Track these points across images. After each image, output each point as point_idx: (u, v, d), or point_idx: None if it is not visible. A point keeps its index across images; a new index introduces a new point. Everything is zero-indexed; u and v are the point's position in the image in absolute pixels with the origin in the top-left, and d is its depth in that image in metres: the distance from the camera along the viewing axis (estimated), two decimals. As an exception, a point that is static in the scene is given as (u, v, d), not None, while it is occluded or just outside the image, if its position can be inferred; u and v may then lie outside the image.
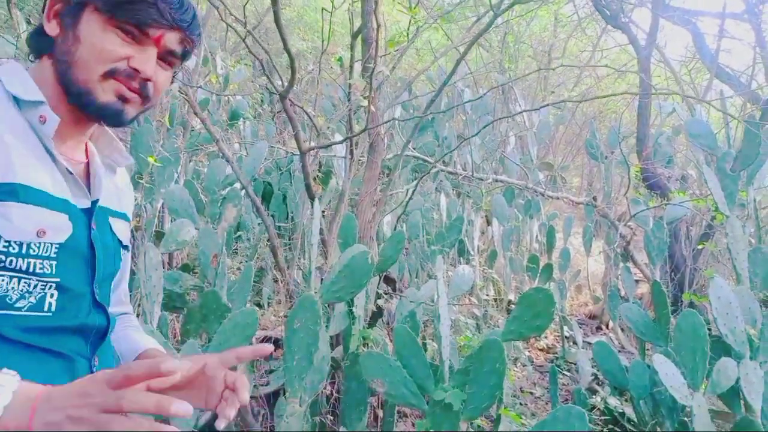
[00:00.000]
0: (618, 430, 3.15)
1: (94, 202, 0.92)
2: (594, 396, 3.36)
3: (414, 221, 4.79)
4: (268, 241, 3.43)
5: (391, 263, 2.58)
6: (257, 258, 4.27)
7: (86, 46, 0.84)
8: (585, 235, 4.86)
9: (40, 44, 0.88)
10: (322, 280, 2.48)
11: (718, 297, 2.40)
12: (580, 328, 4.59)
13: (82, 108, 0.87)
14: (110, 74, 0.85)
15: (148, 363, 0.67)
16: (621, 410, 3.19)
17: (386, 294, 2.85)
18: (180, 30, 0.89)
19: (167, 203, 3.11)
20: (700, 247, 3.74)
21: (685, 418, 2.43)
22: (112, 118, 0.88)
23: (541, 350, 4.38)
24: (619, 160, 4.37)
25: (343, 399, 2.37)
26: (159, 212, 3.18)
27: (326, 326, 2.40)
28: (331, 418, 2.38)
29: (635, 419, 3.06)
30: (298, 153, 2.86)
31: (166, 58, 0.90)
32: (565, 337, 4.40)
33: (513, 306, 4.94)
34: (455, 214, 5.19)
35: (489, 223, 5.87)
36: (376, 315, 2.69)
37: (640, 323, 2.68)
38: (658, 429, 2.41)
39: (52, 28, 0.87)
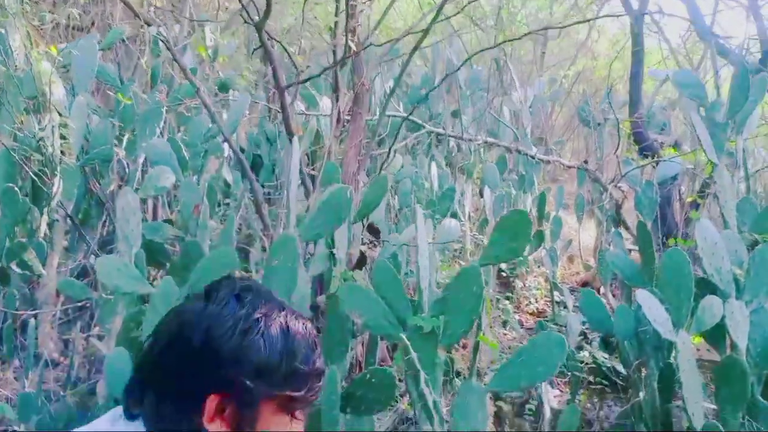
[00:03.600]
0: (606, 382, 3.13)
1: None
2: (582, 352, 3.34)
3: (405, 189, 4.75)
4: (253, 200, 3.39)
5: (374, 207, 2.55)
6: (246, 227, 4.24)
7: None
8: (577, 204, 4.83)
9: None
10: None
11: (704, 237, 2.37)
12: (571, 294, 4.56)
13: None
14: None
15: None
16: (609, 364, 3.17)
17: (370, 243, 2.82)
18: None
19: (149, 156, 3.07)
20: (689, 199, 3.70)
21: (671, 360, 2.40)
22: None
23: (531, 314, 4.36)
24: (612, 123, 4.33)
25: (324, 339, 2.34)
26: (141, 167, 3.14)
27: (306, 267, 2.37)
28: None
29: (622, 370, 3.04)
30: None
31: None
32: (556, 302, 4.37)
33: (503, 273, 4.93)
34: (447, 185, 5.16)
35: (481, 195, 5.84)
36: (360, 262, 2.66)
37: (626, 269, 2.65)
38: (643, 369, 2.38)
39: (216, 427, 0.81)
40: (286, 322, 0.84)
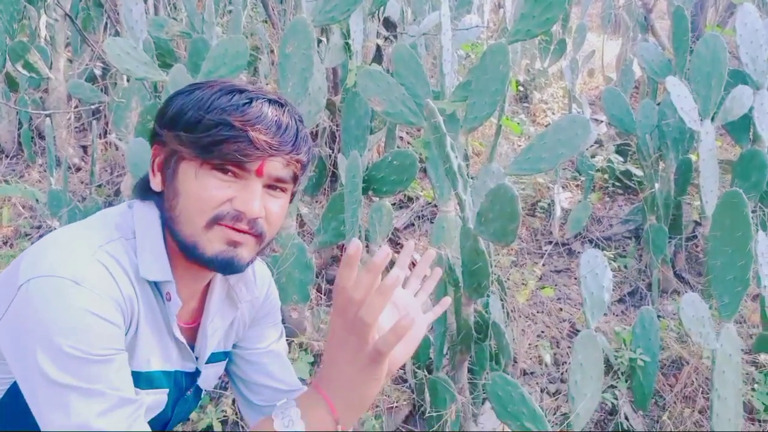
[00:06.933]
0: (618, 184, 3.18)
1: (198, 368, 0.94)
2: (596, 157, 3.35)
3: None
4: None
5: (391, -6, 2.37)
6: (251, 36, 4.03)
7: (185, 197, 0.79)
8: (603, 9, 4.51)
9: (146, 195, 0.86)
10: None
11: (744, 23, 2.21)
12: (590, 107, 4.47)
13: (193, 262, 0.82)
14: (215, 221, 0.79)
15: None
16: (623, 168, 3.19)
17: (386, 39, 2.68)
18: (282, 154, 0.81)
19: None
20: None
21: (689, 156, 2.39)
22: (225, 268, 0.82)
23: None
24: None
25: (342, 136, 2.33)
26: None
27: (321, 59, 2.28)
28: (330, 151, 2.36)
29: (636, 173, 3.07)
30: None
31: (275, 185, 0.83)
32: (573, 115, 4.29)
33: (521, 87, 4.80)
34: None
35: (499, 6, 5.46)
36: (375, 59, 2.54)
37: (654, 62, 2.53)
38: (662, 162, 2.38)
39: (156, 183, 0.84)
40: (234, 86, 0.82)
